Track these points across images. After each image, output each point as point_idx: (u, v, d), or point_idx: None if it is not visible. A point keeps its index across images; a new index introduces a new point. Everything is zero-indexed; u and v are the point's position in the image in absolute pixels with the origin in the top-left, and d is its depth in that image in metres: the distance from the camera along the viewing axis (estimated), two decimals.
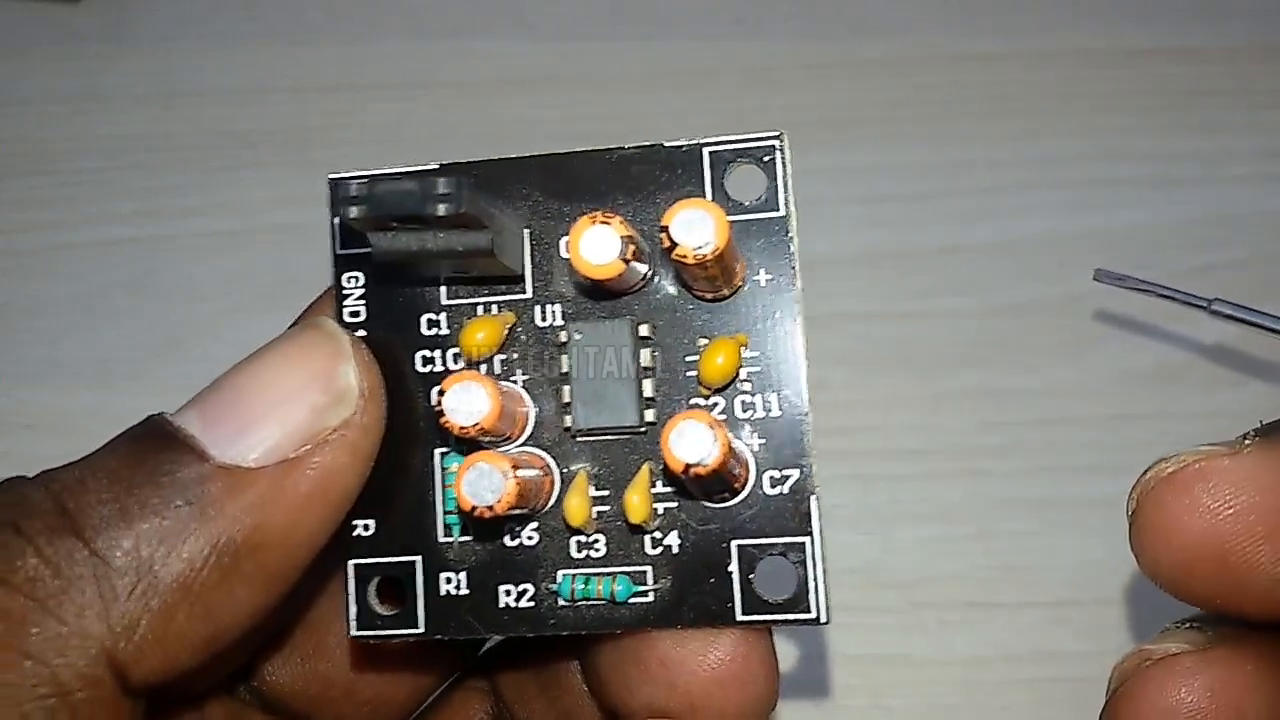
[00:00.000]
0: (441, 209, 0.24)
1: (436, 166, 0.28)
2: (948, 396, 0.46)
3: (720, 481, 0.26)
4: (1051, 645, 0.44)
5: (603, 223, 0.25)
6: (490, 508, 0.25)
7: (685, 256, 0.24)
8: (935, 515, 0.45)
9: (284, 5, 0.52)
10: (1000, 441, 0.46)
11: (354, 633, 0.28)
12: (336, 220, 0.28)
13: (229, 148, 0.50)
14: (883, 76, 0.50)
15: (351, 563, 0.28)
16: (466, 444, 0.27)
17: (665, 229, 0.24)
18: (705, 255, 0.24)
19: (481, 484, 0.25)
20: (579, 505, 0.27)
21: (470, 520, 0.27)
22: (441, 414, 0.25)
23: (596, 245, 0.25)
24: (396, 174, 0.28)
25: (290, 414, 0.25)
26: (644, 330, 0.27)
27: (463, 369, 0.27)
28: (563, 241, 0.28)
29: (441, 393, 0.25)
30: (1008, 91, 0.50)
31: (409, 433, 0.28)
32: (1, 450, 0.46)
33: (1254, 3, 0.50)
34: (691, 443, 0.24)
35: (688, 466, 0.24)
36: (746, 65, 0.50)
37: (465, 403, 0.25)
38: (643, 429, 0.27)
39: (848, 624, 0.44)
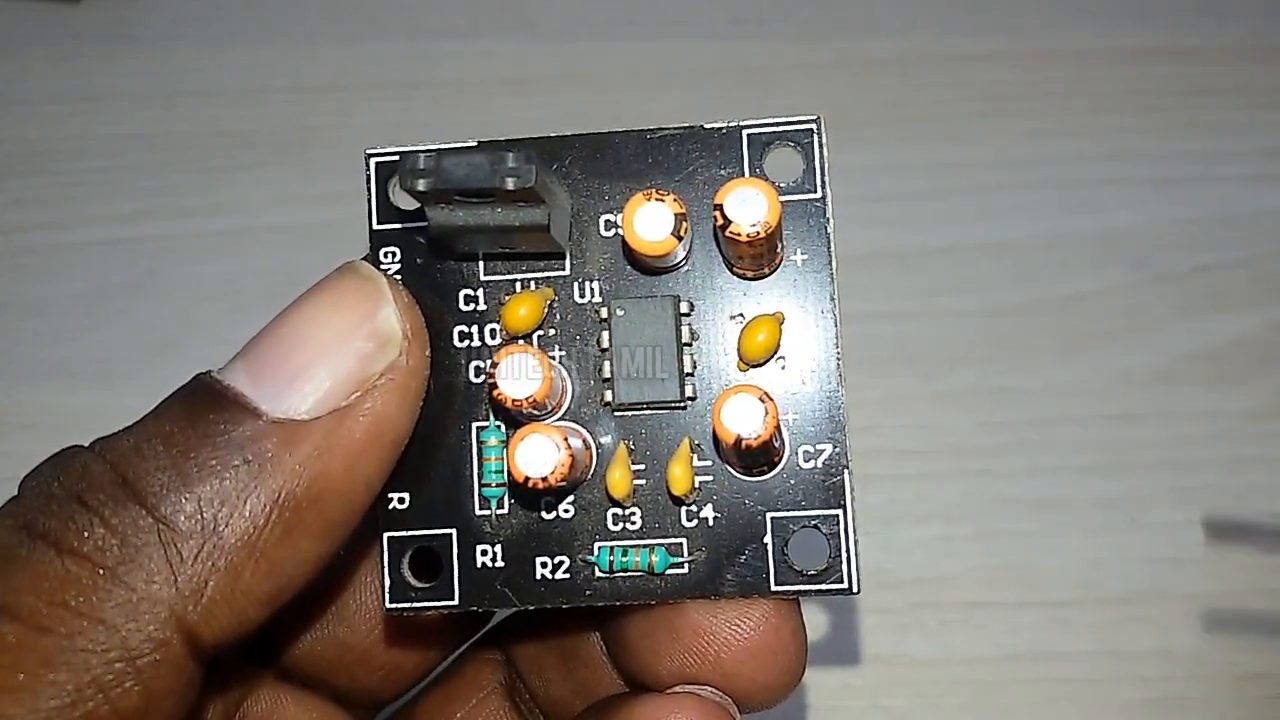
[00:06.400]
0: (511, 183, 0.24)
1: (475, 144, 0.28)
2: (948, 396, 0.46)
3: (766, 454, 0.27)
4: (1051, 645, 0.44)
5: (657, 200, 0.25)
6: (544, 479, 0.25)
7: (738, 234, 0.25)
8: (935, 515, 0.45)
9: (284, 5, 0.52)
10: (1000, 441, 0.46)
11: (389, 605, 0.28)
12: (373, 195, 0.28)
13: (229, 148, 0.50)
14: (883, 76, 0.50)
15: (386, 535, 0.28)
16: (507, 418, 0.28)
17: (719, 207, 0.25)
18: (757, 233, 0.25)
19: (536, 455, 0.25)
20: (622, 477, 0.27)
21: (518, 492, 0.28)
22: (495, 386, 0.26)
23: (651, 222, 0.26)
24: (450, 149, 0.28)
25: (337, 362, 0.25)
26: (684, 307, 0.28)
27: (500, 344, 0.28)
28: (602, 219, 0.28)
29: (495, 365, 0.26)
30: (1008, 91, 0.50)
31: (445, 407, 0.28)
32: (1, 450, 0.46)
33: (1254, 3, 0.50)
34: (744, 416, 0.25)
35: (739, 439, 0.25)
36: (746, 65, 0.50)
37: (519, 375, 0.26)
38: (683, 404, 0.27)
39: (847, 624, 0.44)
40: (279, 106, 0.51)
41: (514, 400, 0.26)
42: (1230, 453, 0.45)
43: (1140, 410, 0.46)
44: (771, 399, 0.25)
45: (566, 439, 0.26)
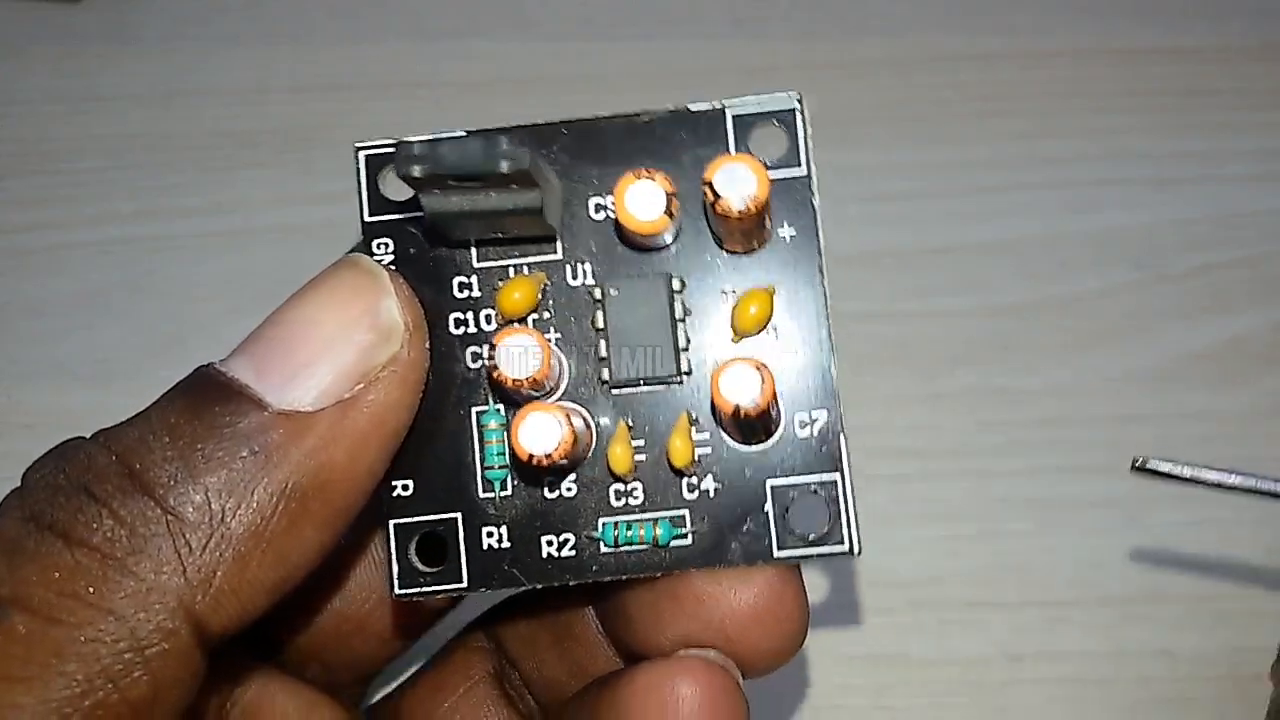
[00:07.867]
0: (506, 166, 0.24)
1: (464, 134, 0.28)
2: (948, 396, 0.46)
3: (763, 422, 0.27)
4: (1051, 645, 0.44)
5: (647, 178, 0.26)
6: (548, 455, 0.26)
7: (729, 210, 0.26)
8: (935, 515, 0.45)
9: (285, 5, 0.52)
10: (1000, 441, 0.46)
11: (398, 591, 0.28)
12: (363, 187, 0.29)
13: (229, 148, 0.50)
14: (883, 76, 0.50)
15: (392, 523, 0.28)
16: (507, 400, 0.28)
17: (709, 183, 0.26)
18: (747, 208, 0.26)
19: (538, 433, 0.26)
20: (623, 452, 0.28)
21: (522, 472, 0.28)
22: (495, 368, 0.26)
23: (642, 200, 0.26)
24: (441, 138, 0.28)
25: (340, 355, 0.25)
26: (676, 284, 0.28)
27: (496, 329, 0.28)
28: (592, 203, 0.28)
29: (493, 347, 0.26)
30: (1008, 91, 0.50)
31: (445, 393, 0.28)
32: (1, 450, 0.46)
33: (1254, 3, 0.50)
34: (742, 385, 0.25)
35: (738, 408, 0.25)
36: (746, 65, 0.50)
37: (518, 354, 0.26)
38: (679, 379, 0.28)
39: (847, 624, 0.44)
40: (279, 106, 0.51)
41: (514, 380, 0.26)
42: (1230, 453, 0.45)
43: (1140, 410, 0.46)
44: (767, 368, 0.26)
45: (568, 416, 0.26)
